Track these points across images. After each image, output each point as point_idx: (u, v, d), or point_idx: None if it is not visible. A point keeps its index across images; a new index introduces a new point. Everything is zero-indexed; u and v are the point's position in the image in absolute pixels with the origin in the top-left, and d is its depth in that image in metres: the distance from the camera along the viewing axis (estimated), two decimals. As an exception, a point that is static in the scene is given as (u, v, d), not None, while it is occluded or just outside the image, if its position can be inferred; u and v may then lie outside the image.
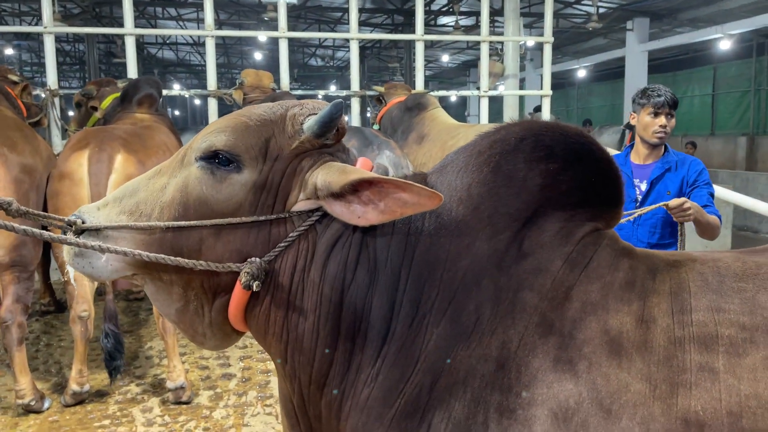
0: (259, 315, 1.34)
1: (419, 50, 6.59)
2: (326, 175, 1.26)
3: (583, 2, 12.77)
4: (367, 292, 1.29)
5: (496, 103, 9.33)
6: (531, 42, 11.08)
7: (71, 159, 3.25)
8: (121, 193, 1.37)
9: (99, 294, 4.39)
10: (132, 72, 6.01)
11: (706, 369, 1.10)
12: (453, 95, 7.64)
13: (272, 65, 21.71)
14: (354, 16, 6.33)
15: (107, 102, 4.51)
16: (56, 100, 5.95)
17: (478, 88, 6.89)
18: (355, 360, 1.30)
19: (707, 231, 2.96)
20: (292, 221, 1.31)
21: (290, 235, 1.30)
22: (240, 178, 1.30)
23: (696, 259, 1.28)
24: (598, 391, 1.12)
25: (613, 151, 6.82)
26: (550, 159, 1.30)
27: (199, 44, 21.48)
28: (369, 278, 1.30)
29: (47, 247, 4.15)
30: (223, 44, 21.98)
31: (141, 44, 18.62)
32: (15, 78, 4.42)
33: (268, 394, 3.93)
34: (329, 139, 1.33)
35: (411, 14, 13.99)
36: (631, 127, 10.01)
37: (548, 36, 6.85)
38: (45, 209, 3.42)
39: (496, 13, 11.92)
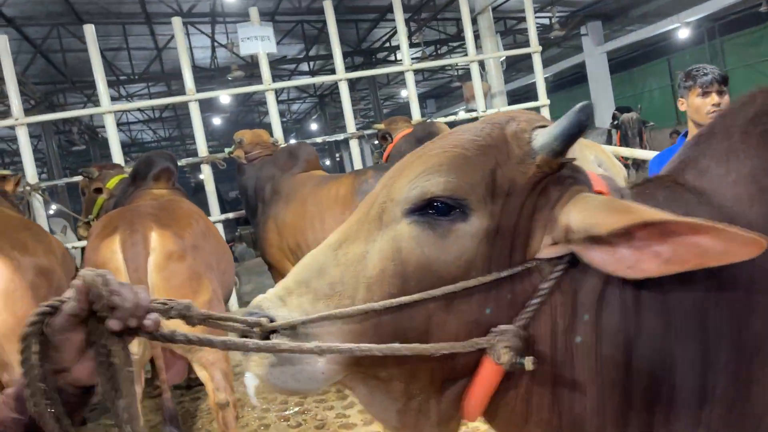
0: (515, 400, 0.98)
1: (410, 80, 6.39)
2: (584, 214, 0.93)
3: (536, 15, 12.88)
4: (662, 343, 0.95)
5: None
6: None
7: (102, 248, 2.82)
8: (305, 275, 1.02)
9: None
10: (115, 148, 5.67)
11: None
12: (453, 117, 7.44)
13: (232, 128, 21.41)
14: (339, 59, 6.11)
15: (113, 182, 4.12)
16: (38, 195, 5.53)
17: (475, 110, 6.70)
18: None
19: None
20: (539, 271, 0.97)
21: (540, 287, 0.95)
22: (468, 227, 0.97)
23: None
24: None
25: (640, 152, 6.54)
26: None
27: (152, 120, 21.14)
28: (661, 322, 0.95)
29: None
30: (175, 117, 21.64)
31: (93, 129, 18.13)
32: (4, 173, 4.02)
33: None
34: (567, 156, 1.01)
35: (370, 53, 13.97)
36: (617, 127, 9.88)
37: (535, 45, 6.75)
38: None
39: (452, 39, 11.85)
